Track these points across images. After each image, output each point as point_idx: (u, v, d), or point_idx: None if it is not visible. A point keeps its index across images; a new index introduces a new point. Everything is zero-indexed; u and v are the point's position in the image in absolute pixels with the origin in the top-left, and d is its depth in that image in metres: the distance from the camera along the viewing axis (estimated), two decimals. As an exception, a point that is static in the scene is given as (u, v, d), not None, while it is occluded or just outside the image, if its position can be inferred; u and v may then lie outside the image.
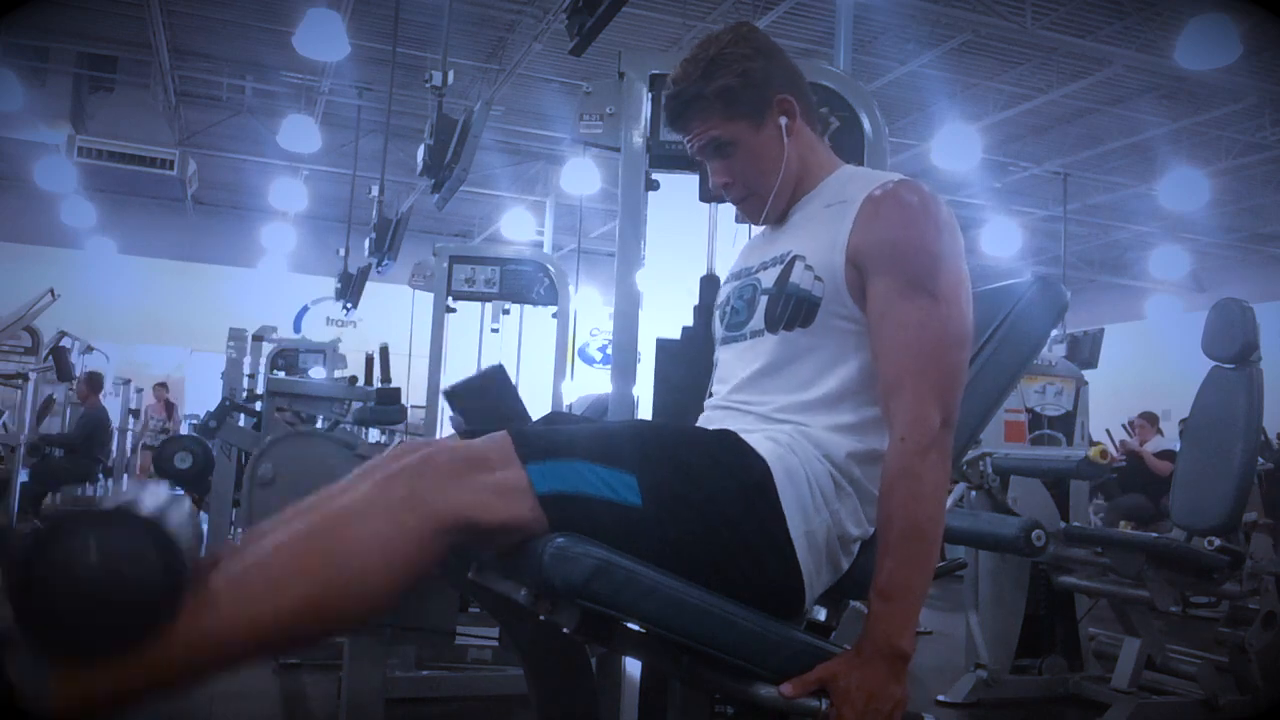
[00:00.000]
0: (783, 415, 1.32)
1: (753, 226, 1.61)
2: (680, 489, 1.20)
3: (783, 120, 1.40)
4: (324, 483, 1.19)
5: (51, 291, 6.82)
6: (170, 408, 11.68)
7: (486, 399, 1.31)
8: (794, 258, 1.34)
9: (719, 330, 1.49)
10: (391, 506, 1.10)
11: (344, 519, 1.11)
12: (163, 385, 11.98)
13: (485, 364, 4.43)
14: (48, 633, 1.03)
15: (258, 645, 1.10)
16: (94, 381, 7.75)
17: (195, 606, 1.05)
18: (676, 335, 2.00)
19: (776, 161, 1.40)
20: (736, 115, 1.38)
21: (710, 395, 1.50)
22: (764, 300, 1.37)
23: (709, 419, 1.42)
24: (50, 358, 6.91)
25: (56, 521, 1.05)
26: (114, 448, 8.80)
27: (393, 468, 1.15)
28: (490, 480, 1.14)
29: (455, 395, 1.46)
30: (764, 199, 1.43)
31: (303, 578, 1.08)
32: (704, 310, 2.02)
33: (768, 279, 1.38)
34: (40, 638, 1.03)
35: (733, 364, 1.43)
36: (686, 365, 1.92)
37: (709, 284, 2.04)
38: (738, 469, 1.23)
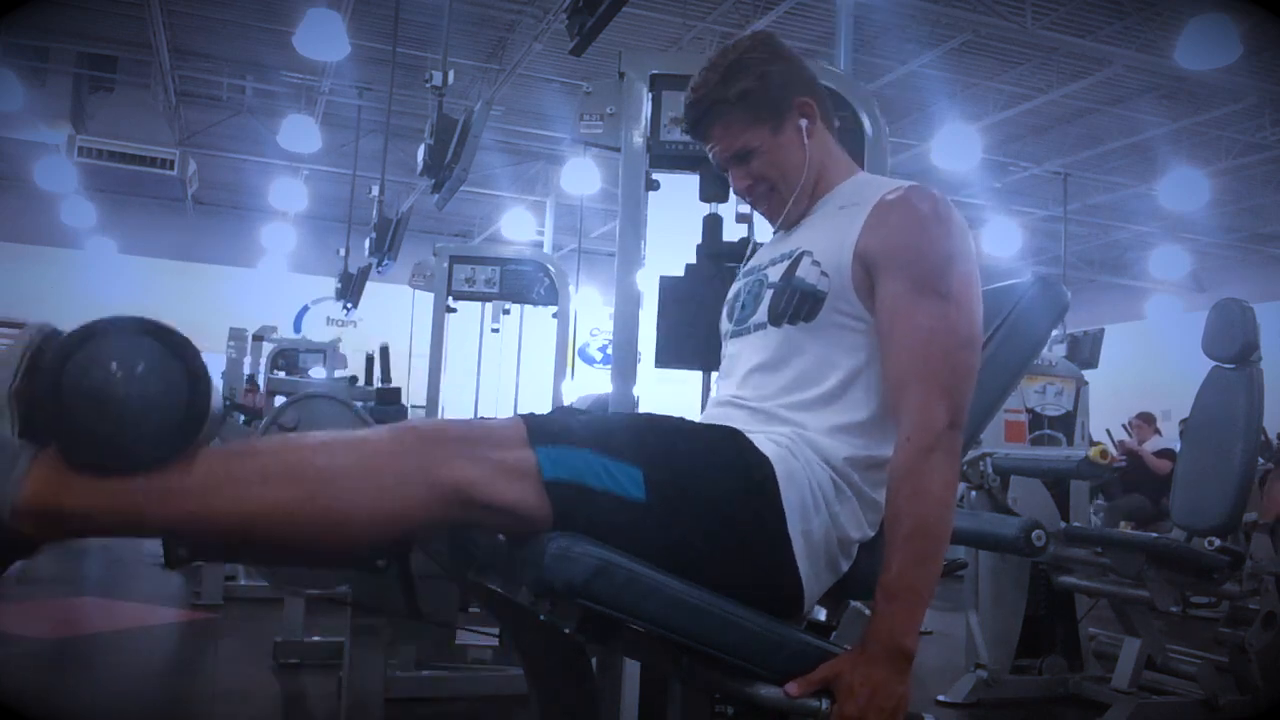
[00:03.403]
0: (782, 412, 1.32)
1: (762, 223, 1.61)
2: (684, 486, 1.20)
3: (803, 122, 1.42)
4: None
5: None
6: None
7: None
8: (802, 253, 1.36)
9: (726, 326, 1.50)
10: (397, 455, 1.12)
11: (350, 448, 1.13)
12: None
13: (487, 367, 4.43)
14: (54, 428, 1.04)
15: (226, 526, 1.11)
16: None
17: (190, 464, 1.07)
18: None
19: (798, 163, 1.42)
20: (756, 120, 1.40)
21: (714, 391, 1.50)
22: (769, 294, 1.38)
23: (711, 418, 1.42)
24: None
25: (110, 322, 1.05)
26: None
27: (408, 426, 1.17)
28: (498, 457, 1.14)
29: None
30: (785, 199, 1.44)
31: (294, 483, 1.09)
32: (707, 247, 2.02)
33: (775, 273, 1.39)
34: (45, 431, 1.04)
35: (736, 358, 1.44)
36: (689, 302, 1.92)
37: (712, 222, 2.04)
38: (742, 467, 1.24)
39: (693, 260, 2.06)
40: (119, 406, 1.03)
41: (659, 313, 1.99)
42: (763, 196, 1.47)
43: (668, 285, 2.00)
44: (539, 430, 1.18)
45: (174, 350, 1.07)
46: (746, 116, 1.40)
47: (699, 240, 2.06)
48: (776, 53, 1.43)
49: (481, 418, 1.27)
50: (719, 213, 2.05)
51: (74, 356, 1.03)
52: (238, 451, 1.13)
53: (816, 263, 1.33)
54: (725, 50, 1.44)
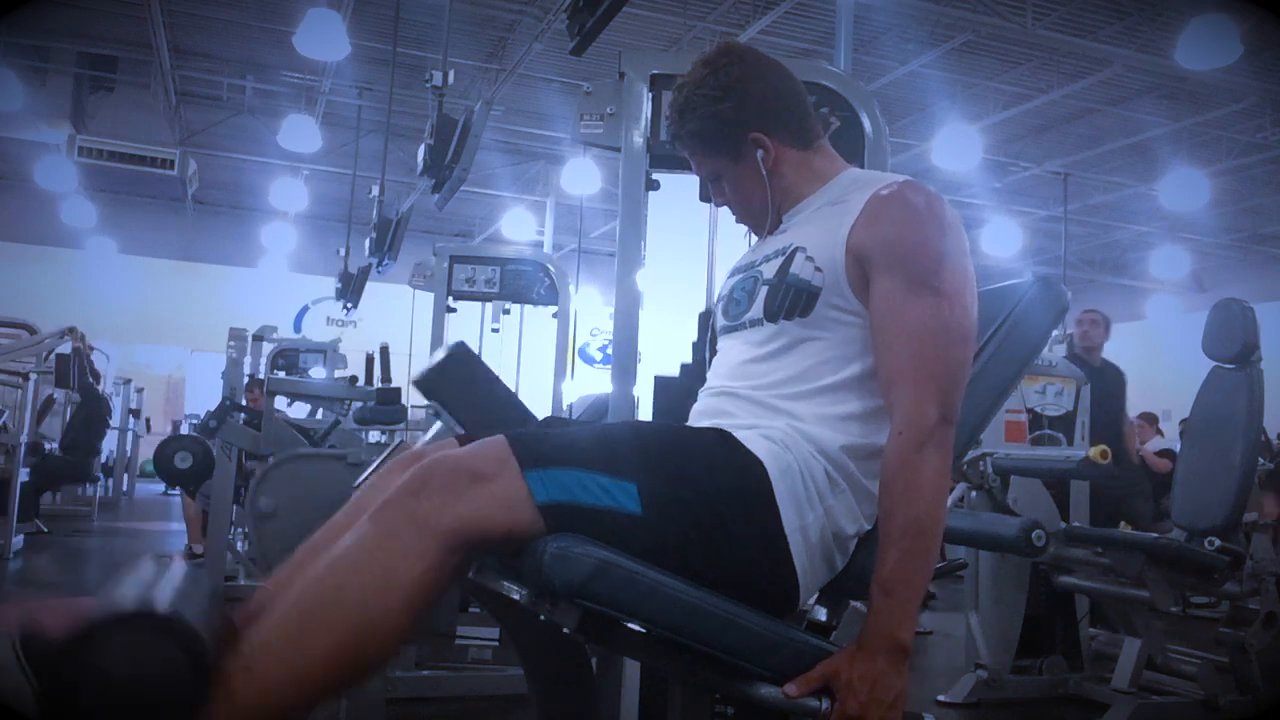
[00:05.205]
0: (777, 402, 1.32)
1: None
2: (679, 495, 1.21)
3: (759, 153, 1.43)
4: (325, 502, 1.18)
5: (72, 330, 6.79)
6: None
7: (459, 381, 1.29)
8: (795, 249, 1.37)
9: (719, 322, 1.51)
10: (394, 537, 1.11)
11: (352, 563, 1.12)
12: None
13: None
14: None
15: (294, 707, 1.10)
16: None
17: (227, 684, 1.05)
18: (675, 373, 1.98)
19: (760, 190, 1.45)
20: (715, 153, 1.46)
21: (705, 383, 1.50)
22: (764, 290, 1.38)
23: (704, 407, 1.43)
24: (50, 357, 6.92)
25: (81, 633, 1.04)
26: (113, 446, 8.79)
27: (389, 494, 1.14)
28: (489, 491, 1.14)
29: (427, 384, 1.45)
30: (759, 215, 1.49)
31: (323, 634, 1.09)
32: (702, 347, 2.01)
33: (769, 270, 1.40)
34: None
35: (729, 352, 1.45)
36: (686, 401, 1.93)
37: (707, 321, 2.04)
38: (735, 471, 1.24)
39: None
40: (130, 707, 1.01)
41: (654, 412, 1.98)
42: (738, 211, 1.52)
43: (663, 385, 2.00)
44: (526, 454, 1.17)
45: (145, 626, 1.04)
46: (704, 152, 1.46)
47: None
48: (729, 84, 1.41)
49: (466, 446, 1.24)
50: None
51: (62, 690, 1.01)
52: (261, 639, 1.10)
53: (810, 258, 1.34)
54: (692, 71, 1.44)
